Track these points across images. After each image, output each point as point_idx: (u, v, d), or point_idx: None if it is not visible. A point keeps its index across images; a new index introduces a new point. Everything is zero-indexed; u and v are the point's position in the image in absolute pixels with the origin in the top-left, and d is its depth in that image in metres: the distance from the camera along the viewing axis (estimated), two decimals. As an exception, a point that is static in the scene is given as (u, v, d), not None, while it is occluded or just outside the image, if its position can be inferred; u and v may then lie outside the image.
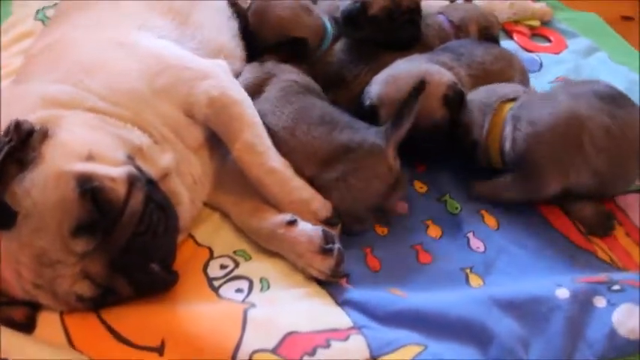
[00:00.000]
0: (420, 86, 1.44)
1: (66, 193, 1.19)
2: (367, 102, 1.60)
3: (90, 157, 1.24)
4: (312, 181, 1.46)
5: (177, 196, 1.38)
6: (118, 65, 1.43)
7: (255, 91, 1.62)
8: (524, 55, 2.17)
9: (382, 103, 1.58)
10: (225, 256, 1.44)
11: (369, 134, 1.45)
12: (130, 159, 1.29)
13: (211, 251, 1.45)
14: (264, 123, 1.51)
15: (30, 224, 1.18)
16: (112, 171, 1.24)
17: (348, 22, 1.82)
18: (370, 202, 1.46)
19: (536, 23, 2.36)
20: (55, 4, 2.15)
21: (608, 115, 1.42)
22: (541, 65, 2.16)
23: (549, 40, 2.32)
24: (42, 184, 1.19)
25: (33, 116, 1.29)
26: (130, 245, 1.21)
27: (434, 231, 1.53)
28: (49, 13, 2.16)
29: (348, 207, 1.44)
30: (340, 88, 1.74)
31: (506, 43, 2.17)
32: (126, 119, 1.36)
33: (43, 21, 2.14)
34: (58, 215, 1.18)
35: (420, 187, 1.64)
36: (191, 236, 1.47)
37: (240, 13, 1.83)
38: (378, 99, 1.59)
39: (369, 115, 1.57)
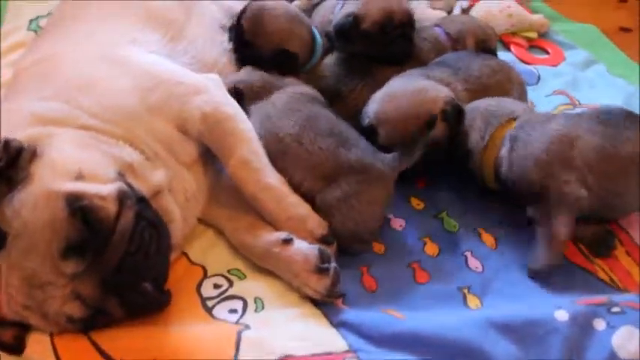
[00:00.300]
0: (431, 120, 1.43)
1: (55, 212, 1.16)
2: (366, 121, 1.58)
3: (80, 176, 1.22)
4: (311, 198, 1.44)
5: (169, 213, 1.36)
6: (109, 82, 1.41)
7: (256, 95, 1.61)
8: (521, 68, 2.16)
9: (380, 121, 1.56)
10: (219, 275, 1.42)
11: (377, 160, 1.43)
12: (121, 176, 1.27)
13: (205, 270, 1.43)
14: (269, 125, 1.49)
15: (19, 245, 1.16)
16: (102, 189, 1.22)
17: (341, 36, 1.80)
18: (371, 225, 1.44)
19: (533, 35, 2.34)
20: (49, 15, 2.14)
21: (602, 134, 1.38)
22: (539, 78, 2.15)
23: (547, 52, 2.31)
24: (31, 204, 1.17)
25: (23, 134, 1.27)
26: (122, 265, 1.19)
27: (431, 248, 1.51)
28: (43, 23, 2.13)
29: (350, 229, 1.42)
30: (336, 102, 1.72)
31: (503, 55, 2.16)
32: (118, 136, 1.34)
33: (36, 31, 2.11)
34: (48, 236, 1.16)
35: (417, 203, 1.62)
36: (184, 254, 1.45)
37: (234, 24, 1.80)
38: (376, 118, 1.57)
39: (368, 133, 1.55)
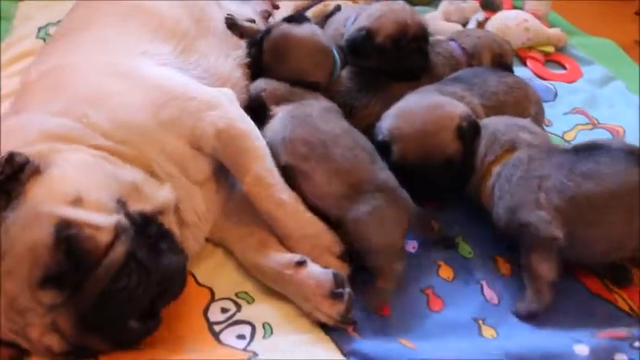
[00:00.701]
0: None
1: (41, 237, 1.12)
2: (379, 137, 1.54)
3: (77, 201, 1.17)
4: (332, 214, 1.41)
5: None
6: (120, 97, 1.37)
7: (281, 99, 1.59)
8: (538, 84, 2.11)
9: (394, 138, 1.52)
10: (226, 298, 1.38)
11: (399, 189, 1.42)
12: (123, 205, 1.22)
13: (212, 292, 1.39)
14: (309, 122, 1.47)
15: (4, 265, 1.12)
16: (98, 218, 1.17)
17: (353, 50, 1.77)
18: (398, 243, 1.40)
19: (550, 49, 2.29)
20: (59, 22, 2.11)
21: (568, 172, 1.32)
22: (556, 94, 2.10)
23: (564, 68, 2.26)
24: (21, 224, 1.13)
25: (30, 149, 1.22)
26: (102, 301, 1.12)
27: (445, 272, 1.46)
28: (53, 31, 2.10)
29: (382, 243, 1.36)
30: (349, 118, 1.68)
31: (519, 70, 2.12)
32: (128, 157, 1.30)
33: (44, 39, 2.08)
34: (28, 260, 1.11)
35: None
36: (191, 275, 1.41)
37: (254, 43, 1.75)
38: (390, 134, 1.52)
39: (382, 150, 1.51)
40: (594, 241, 1.32)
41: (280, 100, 1.59)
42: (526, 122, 1.52)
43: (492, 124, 1.53)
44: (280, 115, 1.53)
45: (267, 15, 2.08)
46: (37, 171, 1.19)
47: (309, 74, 1.69)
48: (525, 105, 1.69)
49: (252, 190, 1.40)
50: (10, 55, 2.03)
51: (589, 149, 1.37)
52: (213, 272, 1.43)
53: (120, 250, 1.16)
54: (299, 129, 1.46)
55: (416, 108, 1.53)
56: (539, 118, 1.71)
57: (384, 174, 1.43)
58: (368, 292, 1.36)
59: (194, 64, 1.62)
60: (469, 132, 1.49)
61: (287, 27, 1.74)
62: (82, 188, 1.19)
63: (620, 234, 1.30)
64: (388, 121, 1.54)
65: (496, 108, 1.64)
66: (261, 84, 1.65)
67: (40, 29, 2.13)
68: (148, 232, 1.22)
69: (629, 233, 1.29)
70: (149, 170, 1.32)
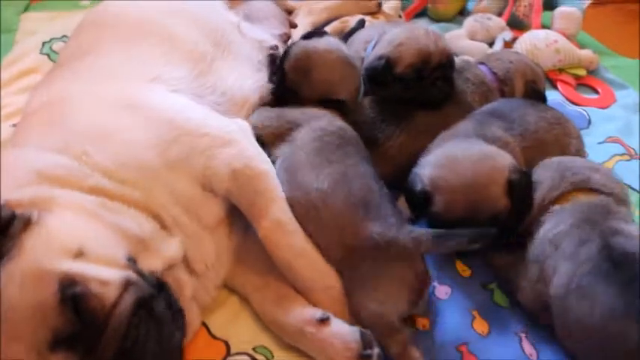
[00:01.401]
0: (489, 234, 1.23)
1: (45, 296, 1.00)
2: (419, 186, 1.39)
3: (80, 254, 1.06)
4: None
5: (183, 288, 1.20)
6: (125, 133, 1.24)
7: (276, 138, 1.45)
8: (570, 110, 2.00)
9: (437, 188, 1.36)
10: (243, 353, 1.26)
11: (401, 234, 1.24)
12: (132, 261, 1.10)
13: (228, 346, 1.27)
14: (294, 178, 1.32)
15: (4, 329, 1.00)
16: (106, 273, 1.05)
17: (373, 80, 1.64)
18: (398, 308, 1.24)
19: (582, 72, 2.16)
20: (64, 38, 2.00)
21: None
22: (589, 122, 1.98)
23: (596, 92, 2.14)
24: (19, 282, 1.01)
25: (22, 194, 1.11)
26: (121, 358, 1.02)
27: (480, 325, 1.34)
28: (57, 47, 1.99)
29: (373, 311, 1.22)
30: (371, 150, 1.55)
31: (550, 94, 1.99)
32: (132, 201, 1.18)
33: (49, 55, 1.97)
34: (34, 322, 1.00)
35: (462, 269, 1.46)
36: (205, 326, 1.30)
37: (276, 67, 1.64)
38: (432, 184, 1.37)
39: (420, 200, 1.37)
40: None
41: (276, 138, 1.44)
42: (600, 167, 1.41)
43: (554, 164, 1.42)
44: (278, 164, 1.38)
45: (286, 38, 1.96)
46: (29, 222, 1.06)
47: (336, 89, 1.56)
48: (566, 142, 1.56)
49: (270, 236, 1.28)
50: (14, 71, 1.91)
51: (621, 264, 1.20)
52: (229, 323, 1.31)
53: (126, 303, 1.04)
54: (292, 188, 1.33)
55: (462, 158, 1.38)
56: (580, 155, 1.59)
57: (380, 226, 1.25)
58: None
59: (211, 88, 1.49)
60: (519, 186, 1.35)
61: (307, 42, 1.61)
62: (85, 240, 1.07)
63: None
64: (430, 170, 1.39)
65: (536, 147, 1.51)
66: (254, 118, 1.52)
67: (44, 44, 2.02)
68: (159, 295, 1.11)
69: None
70: (155, 215, 1.20)
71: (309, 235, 1.29)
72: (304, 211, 1.30)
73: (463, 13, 2.52)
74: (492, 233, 1.22)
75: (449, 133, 1.51)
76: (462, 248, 1.24)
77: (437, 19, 2.50)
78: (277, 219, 1.28)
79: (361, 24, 2.01)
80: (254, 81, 1.63)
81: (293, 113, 1.50)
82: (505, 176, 1.35)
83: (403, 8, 2.50)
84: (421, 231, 1.25)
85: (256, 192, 1.30)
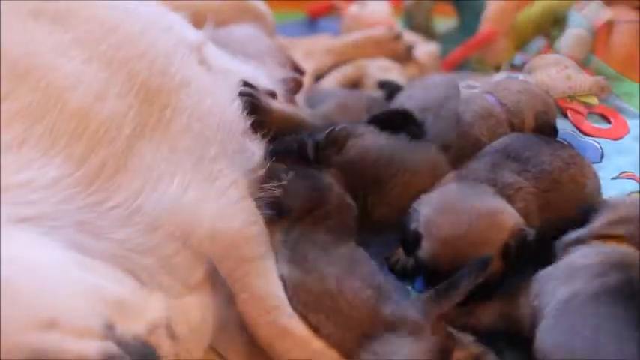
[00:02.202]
0: (486, 263, 1.16)
1: None
2: (412, 225, 1.30)
3: (52, 324, 0.93)
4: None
5: (163, 356, 1.08)
6: None
7: None
8: (583, 142, 1.88)
9: (428, 234, 1.27)
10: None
11: (408, 308, 1.16)
12: (110, 329, 0.98)
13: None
14: (304, 263, 1.22)
15: None
16: (81, 346, 0.93)
17: None
18: None
19: (594, 101, 2.05)
20: None
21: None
22: (602, 155, 1.87)
23: (608, 122, 2.03)
24: None
25: None
26: None
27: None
28: None
29: None
30: (374, 192, 1.45)
31: (561, 124, 1.87)
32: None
33: None
34: None
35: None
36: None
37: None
38: (424, 227, 1.28)
39: (412, 240, 1.28)
40: None
41: None
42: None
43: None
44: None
45: (294, 86, 1.62)
46: None
47: None
48: (581, 182, 1.46)
49: (248, 311, 1.18)
50: None
51: None
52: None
53: None
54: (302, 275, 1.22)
55: (461, 207, 1.28)
56: (595, 195, 1.49)
57: (389, 307, 1.16)
58: None
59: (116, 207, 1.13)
60: (516, 253, 1.25)
61: (376, 146, 1.50)
62: (58, 308, 0.95)
63: None
64: (427, 210, 1.30)
65: (550, 190, 1.41)
66: None
67: None
68: None
69: None
70: (134, 275, 1.09)
71: (321, 325, 1.17)
72: (316, 298, 1.19)
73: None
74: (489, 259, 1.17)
75: (459, 173, 1.42)
76: (470, 286, 1.16)
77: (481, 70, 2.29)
78: (259, 292, 1.19)
79: (396, 89, 1.84)
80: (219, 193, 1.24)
81: None
82: (503, 238, 1.25)
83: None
84: (422, 297, 1.18)
85: (238, 257, 1.20)
